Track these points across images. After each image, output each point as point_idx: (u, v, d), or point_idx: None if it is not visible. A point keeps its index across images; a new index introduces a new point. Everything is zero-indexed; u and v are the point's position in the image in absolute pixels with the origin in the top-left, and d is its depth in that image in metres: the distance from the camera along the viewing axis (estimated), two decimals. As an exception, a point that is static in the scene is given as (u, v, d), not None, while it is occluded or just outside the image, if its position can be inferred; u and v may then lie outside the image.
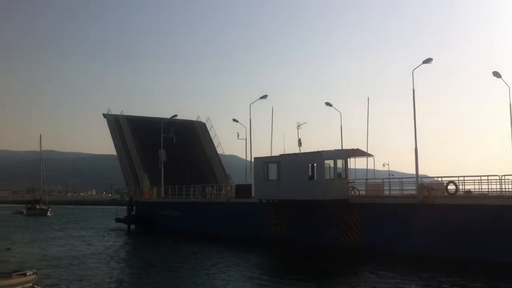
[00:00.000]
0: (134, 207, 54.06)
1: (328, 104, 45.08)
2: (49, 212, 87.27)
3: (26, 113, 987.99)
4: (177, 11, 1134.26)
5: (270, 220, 37.76)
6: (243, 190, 42.16)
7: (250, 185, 41.97)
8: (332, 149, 35.24)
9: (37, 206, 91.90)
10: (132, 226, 52.33)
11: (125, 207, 57.19)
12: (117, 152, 59.27)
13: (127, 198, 56.75)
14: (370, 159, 38.85)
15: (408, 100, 34.05)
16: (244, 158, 49.76)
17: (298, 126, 43.15)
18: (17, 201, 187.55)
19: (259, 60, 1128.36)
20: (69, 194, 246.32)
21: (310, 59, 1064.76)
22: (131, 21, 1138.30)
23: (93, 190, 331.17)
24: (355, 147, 35.55)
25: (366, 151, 37.29)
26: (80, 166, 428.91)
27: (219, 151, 64.64)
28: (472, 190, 29.77)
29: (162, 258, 30.20)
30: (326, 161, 33.89)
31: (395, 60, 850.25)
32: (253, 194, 40.04)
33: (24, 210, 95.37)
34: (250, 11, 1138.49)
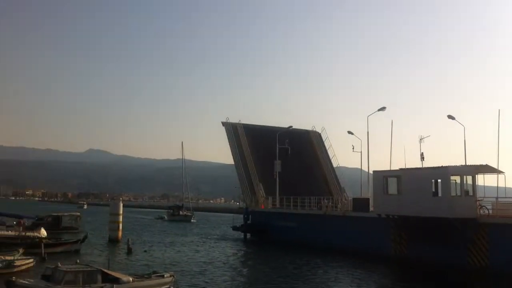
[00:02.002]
0: (250, 216, 54.92)
1: (450, 117, 42.65)
2: (192, 219, 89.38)
3: (165, 123, 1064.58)
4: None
5: (389, 236, 36.39)
6: (360, 203, 41.26)
7: (368, 199, 40.97)
8: (458, 164, 33.14)
9: (181, 212, 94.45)
10: (248, 235, 53.31)
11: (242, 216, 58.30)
12: (234, 161, 60.24)
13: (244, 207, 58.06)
14: (501, 176, 35.77)
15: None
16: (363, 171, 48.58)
17: (421, 139, 41.08)
18: (154, 206, 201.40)
19: (376, 72, 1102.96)
20: (200, 201, 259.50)
21: (433, 72, 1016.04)
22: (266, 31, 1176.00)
23: (222, 198, 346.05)
24: (483, 163, 32.94)
25: (496, 167, 34.37)
26: (211, 175, 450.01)
27: (334, 163, 63.71)
28: None
29: (279, 269, 30.33)
30: (452, 177, 31.91)
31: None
32: (371, 208, 39.00)
33: (165, 216, 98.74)
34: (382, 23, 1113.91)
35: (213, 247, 43.03)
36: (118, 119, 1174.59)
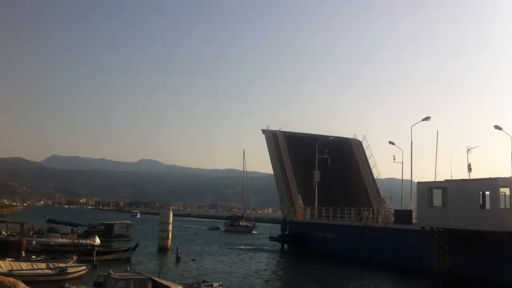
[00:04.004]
0: (288, 226, 54.40)
1: (497, 127, 41.71)
2: (254, 229, 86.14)
3: (213, 133, 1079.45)
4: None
5: (432, 250, 35.42)
6: (403, 215, 40.49)
7: (411, 210, 40.26)
8: (506, 176, 32.32)
9: (241, 222, 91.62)
10: (285, 245, 52.95)
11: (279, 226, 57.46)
12: (273, 170, 59.27)
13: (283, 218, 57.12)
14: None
15: None
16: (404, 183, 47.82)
17: (468, 150, 40.07)
18: (206, 215, 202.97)
19: (420, 80, 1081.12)
20: (248, 211, 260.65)
21: (479, 80, 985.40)
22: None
23: (270, 208, 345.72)
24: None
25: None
26: (258, 184, 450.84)
27: (375, 173, 62.27)
28: None
29: (319, 282, 30.32)
30: (501, 189, 30.93)
31: None
32: (414, 221, 38.34)
33: (221, 226, 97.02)
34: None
35: (251, 257, 43.29)
36: (169, 129, 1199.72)
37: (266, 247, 54.68)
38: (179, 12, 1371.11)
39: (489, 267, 30.96)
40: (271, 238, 55.88)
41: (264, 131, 62.09)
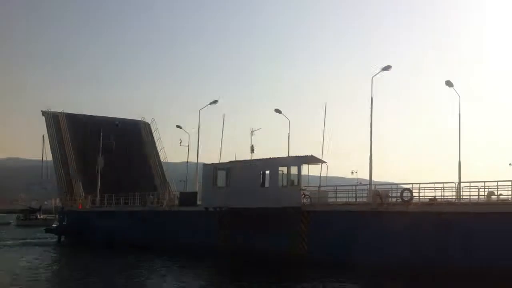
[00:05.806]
0: (66, 216, 51.85)
1: (277, 111, 44.53)
2: (55, 222, 78.97)
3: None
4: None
5: (215, 228, 36.17)
6: (187, 197, 40.91)
7: (196, 192, 40.84)
8: (285, 156, 34.13)
9: (38, 215, 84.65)
10: (63, 237, 49.96)
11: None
12: (52, 156, 56.68)
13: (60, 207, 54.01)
14: (324, 166, 37.59)
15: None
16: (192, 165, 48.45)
17: (252, 132, 42.15)
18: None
19: (210, 66, 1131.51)
20: (46, 202, 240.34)
21: (264, 65, 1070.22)
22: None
23: (58, 198, 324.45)
24: (309, 154, 34.23)
25: (321, 158, 36.05)
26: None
27: (162, 156, 62.58)
28: (437, 197, 28.57)
29: (94, 271, 28.36)
30: (280, 168, 32.79)
31: (352, 67, 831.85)
32: (199, 202, 38.76)
33: (12, 221, 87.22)
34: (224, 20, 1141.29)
35: (23, 253, 38.39)
36: None
37: (42, 240, 49.93)
38: None
39: (265, 241, 32.21)
40: (47, 230, 52.21)
41: (44, 113, 58.52)
